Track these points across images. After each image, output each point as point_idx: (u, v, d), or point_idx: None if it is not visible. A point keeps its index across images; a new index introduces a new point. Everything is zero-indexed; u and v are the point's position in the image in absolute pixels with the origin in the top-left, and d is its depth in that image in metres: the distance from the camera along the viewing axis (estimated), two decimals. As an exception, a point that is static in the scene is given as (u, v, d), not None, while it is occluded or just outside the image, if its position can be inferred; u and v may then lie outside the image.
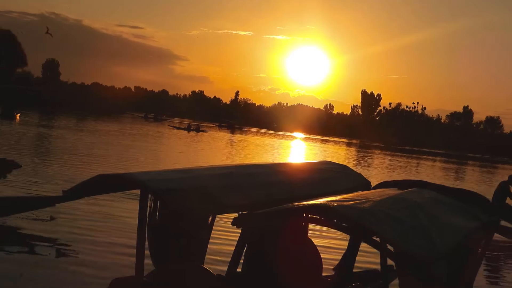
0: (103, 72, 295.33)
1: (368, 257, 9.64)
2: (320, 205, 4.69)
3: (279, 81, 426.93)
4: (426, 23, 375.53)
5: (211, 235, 6.20)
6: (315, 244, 6.98)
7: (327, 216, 4.97)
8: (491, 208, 6.24)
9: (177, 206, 4.99)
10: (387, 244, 4.95)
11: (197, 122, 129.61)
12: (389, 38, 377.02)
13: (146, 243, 5.60)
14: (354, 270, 7.13)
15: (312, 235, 13.06)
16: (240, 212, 5.41)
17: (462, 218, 5.50)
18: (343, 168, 7.51)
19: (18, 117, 63.31)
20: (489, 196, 6.73)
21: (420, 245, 4.23)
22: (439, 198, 5.90)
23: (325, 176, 6.76)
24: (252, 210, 5.25)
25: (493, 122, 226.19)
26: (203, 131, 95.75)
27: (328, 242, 13.33)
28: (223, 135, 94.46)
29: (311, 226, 6.80)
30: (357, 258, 5.22)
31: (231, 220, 5.20)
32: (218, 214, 6.03)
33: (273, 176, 6.16)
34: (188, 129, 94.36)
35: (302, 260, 6.49)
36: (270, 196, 5.55)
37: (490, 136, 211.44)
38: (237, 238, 6.27)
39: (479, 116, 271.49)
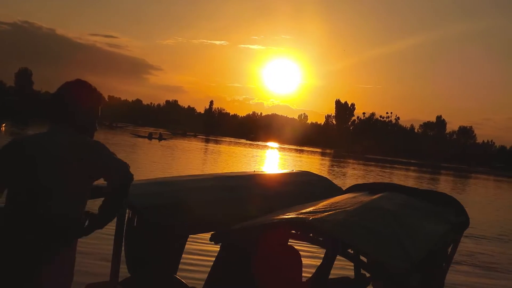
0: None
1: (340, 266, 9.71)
2: (296, 219, 4.65)
3: (254, 91, 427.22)
4: (399, 34, 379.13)
5: (185, 245, 6.20)
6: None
7: (303, 231, 4.97)
8: (459, 209, 6.28)
9: (158, 224, 5.02)
10: (360, 256, 4.98)
11: (169, 131, 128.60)
12: (363, 48, 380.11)
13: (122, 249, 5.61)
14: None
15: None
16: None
17: (433, 222, 5.54)
18: (323, 180, 7.41)
19: (3, 127, 62.71)
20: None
21: (394, 255, 4.25)
22: (410, 202, 5.90)
23: (305, 189, 6.69)
24: (231, 226, 5.26)
25: (466, 132, 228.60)
26: (165, 139, 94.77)
27: (305, 251, 13.35)
28: (190, 145, 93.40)
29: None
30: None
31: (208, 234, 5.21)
32: (199, 233, 6.03)
33: (253, 190, 6.14)
34: (150, 137, 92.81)
35: (282, 273, 6.51)
36: (250, 211, 5.54)
37: (463, 145, 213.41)
38: (211, 249, 6.26)
39: (452, 126, 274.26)
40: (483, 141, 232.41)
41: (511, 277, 14.69)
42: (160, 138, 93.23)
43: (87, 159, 4.09)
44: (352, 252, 5.05)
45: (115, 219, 5.50)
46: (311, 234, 5.00)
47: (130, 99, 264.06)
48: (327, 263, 6.86)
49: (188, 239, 6.27)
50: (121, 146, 59.65)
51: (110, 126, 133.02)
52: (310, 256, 13.09)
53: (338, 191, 7.06)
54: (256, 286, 5.70)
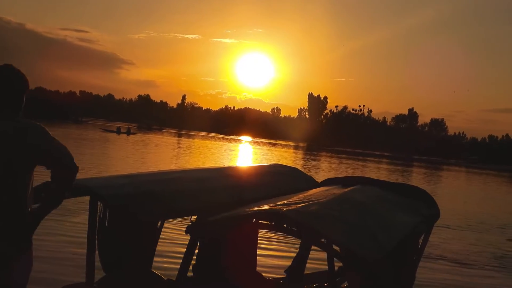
0: (48, 77, 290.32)
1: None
2: (270, 210, 4.73)
3: (227, 85, 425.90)
4: (370, 27, 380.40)
5: (159, 239, 6.19)
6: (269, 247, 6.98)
7: (276, 221, 5.04)
8: (430, 201, 6.38)
9: (127, 212, 5.00)
10: (333, 245, 5.04)
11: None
12: (336, 41, 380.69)
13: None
14: (306, 272, 7.23)
15: (264, 238, 13.24)
16: (190, 217, 5.44)
17: (405, 214, 5.63)
18: (293, 170, 7.50)
19: None
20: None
21: (366, 246, 4.32)
22: (382, 195, 6.01)
23: (275, 179, 6.76)
24: (202, 215, 5.28)
25: (437, 124, 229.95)
26: (133, 133, 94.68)
27: (281, 245, 13.38)
28: (162, 139, 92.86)
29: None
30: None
31: (179, 224, 5.22)
32: (168, 219, 6.04)
33: (222, 180, 6.17)
34: (118, 131, 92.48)
35: (253, 263, 6.55)
36: (219, 200, 5.57)
37: (436, 138, 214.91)
38: (187, 241, 6.27)
39: (424, 118, 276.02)
40: (455, 133, 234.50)
41: (481, 270, 14.83)
42: (128, 133, 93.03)
43: (31, 143, 4.08)
44: (325, 242, 5.11)
45: (87, 220, 5.50)
46: (284, 225, 5.05)
47: (101, 94, 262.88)
48: (303, 252, 6.95)
49: (162, 231, 6.26)
50: (91, 141, 59.28)
51: (76, 121, 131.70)
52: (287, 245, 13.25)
53: (308, 180, 7.16)
54: (226, 276, 5.74)
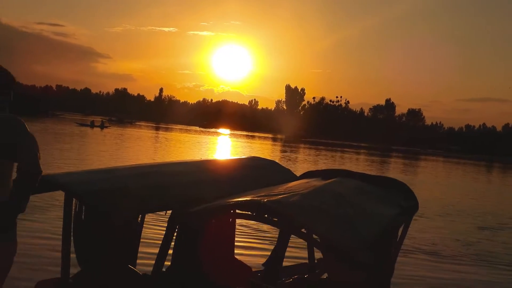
0: (23, 71, 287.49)
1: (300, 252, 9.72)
2: (251, 201, 4.76)
3: (204, 77, 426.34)
4: (347, 19, 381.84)
5: (142, 234, 6.11)
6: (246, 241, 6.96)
7: (258, 211, 5.03)
8: (409, 193, 6.42)
9: (101, 209, 4.93)
10: (313, 235, 5.04)
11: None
12: (313, 34, 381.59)
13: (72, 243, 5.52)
14: (284, 265, 7.21)
15: (242, 234, 13.21)
16: (165, 212, 5.39)
17: (384, 205, 5.67)
18: (272, 164, 7.51)
19: None
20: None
21: (346, 236, 4.34)
22: (362, 187, 6.06)
23: (254, 173, 6.75)
24: (178, 209, 5.23)
25: (414, 114, 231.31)
26: (107, 127, 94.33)
27: (258, 239, 13.35)
28: (139, 133, 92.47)
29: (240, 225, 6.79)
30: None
31: (161, 218, 5.17)
32: (143, 214, 5.97)
33: (200, 174, 6.12)
34: (92, 125, 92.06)
35: (231, 255, 6.51)
36: (197, 195, 5.51)
37: (414, 128, 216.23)
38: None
39: (401, 108, 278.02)
40: (432, 123, 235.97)
41: (454, 260, 14.91)
42: (102, 126, 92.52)
43: (12, 133, 4.18)
44: (305, 231, 5.12)
45: (62, 214, 5.42)
46: (266, 215, 5.05)
47: (78, 88, 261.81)
48: (282, 241, 6.95)
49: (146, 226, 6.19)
50: (63, 135, 58.91)
51: (47, 115, 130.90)
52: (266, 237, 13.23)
53: (287, 173, 7.19)
54: (203, 269, 5.71)
